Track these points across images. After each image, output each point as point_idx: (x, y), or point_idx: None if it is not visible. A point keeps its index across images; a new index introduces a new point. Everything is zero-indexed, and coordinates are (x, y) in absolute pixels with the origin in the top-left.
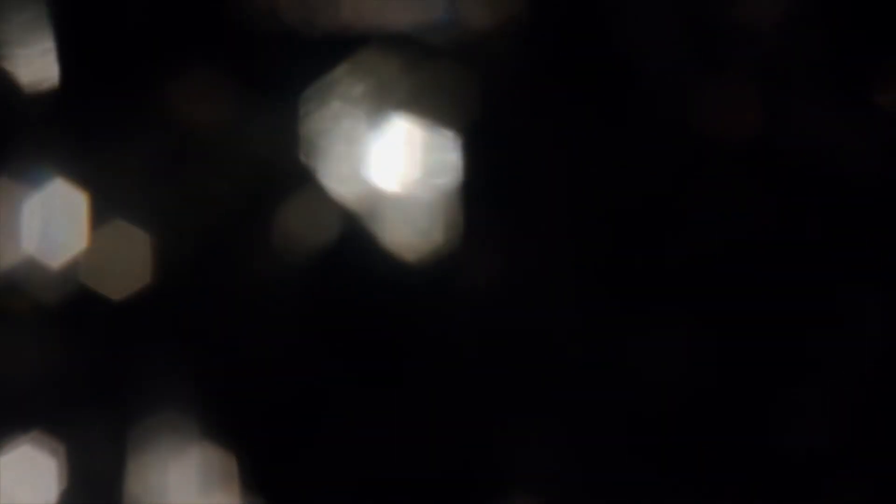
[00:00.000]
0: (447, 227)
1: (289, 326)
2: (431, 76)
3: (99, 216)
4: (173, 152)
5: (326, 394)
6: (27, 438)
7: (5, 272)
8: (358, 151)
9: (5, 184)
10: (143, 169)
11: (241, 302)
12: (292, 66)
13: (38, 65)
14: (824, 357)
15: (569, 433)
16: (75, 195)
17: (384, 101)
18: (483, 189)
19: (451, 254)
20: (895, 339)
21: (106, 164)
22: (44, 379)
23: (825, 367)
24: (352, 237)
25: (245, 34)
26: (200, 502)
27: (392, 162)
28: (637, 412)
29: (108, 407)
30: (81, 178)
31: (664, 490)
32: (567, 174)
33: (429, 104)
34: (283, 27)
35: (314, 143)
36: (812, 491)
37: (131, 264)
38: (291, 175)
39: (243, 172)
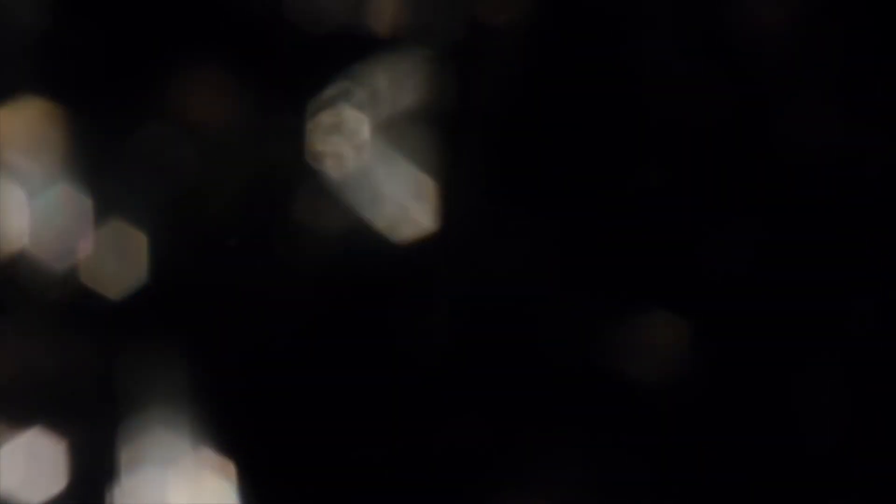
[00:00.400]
0: (448, 226)
1: (289, 326)
2: (433, 76)
3: (99, 216)
4: (175, 152)
5: (326, 394)
6: (27, 435)
7: (5, 271)
8: (361, 151)
9: (5, 184)
10: (144, 169)
11: (241, 301)
12: (296, 67)
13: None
14: (824, 357)
15: (569, 433)
16: (75, 195)
17: (386, 100)
18: (483, 188)
19: (454, 252)
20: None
21: (107, 163)
22: (43, 377)
23: (825, 367)
24: (354, 236)
25: (249, 34)
26: (198, 502)
27: (393, 161)
28: (636, 412)
29: (106, 405)
30: (82, 177)
31: (664, 490)
32: (566, 173)
33: (429, 104)
34: (288, 27)
35: (318, 143)
36: (813, 491)
37: (131, 264)
38: (294, 175)
39: (245, 172)
